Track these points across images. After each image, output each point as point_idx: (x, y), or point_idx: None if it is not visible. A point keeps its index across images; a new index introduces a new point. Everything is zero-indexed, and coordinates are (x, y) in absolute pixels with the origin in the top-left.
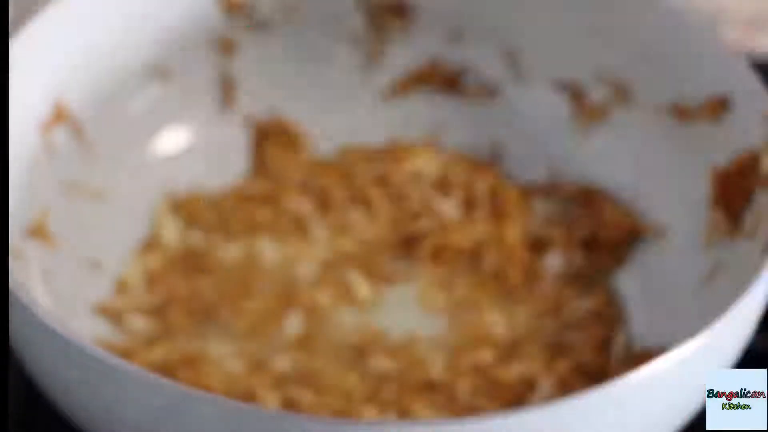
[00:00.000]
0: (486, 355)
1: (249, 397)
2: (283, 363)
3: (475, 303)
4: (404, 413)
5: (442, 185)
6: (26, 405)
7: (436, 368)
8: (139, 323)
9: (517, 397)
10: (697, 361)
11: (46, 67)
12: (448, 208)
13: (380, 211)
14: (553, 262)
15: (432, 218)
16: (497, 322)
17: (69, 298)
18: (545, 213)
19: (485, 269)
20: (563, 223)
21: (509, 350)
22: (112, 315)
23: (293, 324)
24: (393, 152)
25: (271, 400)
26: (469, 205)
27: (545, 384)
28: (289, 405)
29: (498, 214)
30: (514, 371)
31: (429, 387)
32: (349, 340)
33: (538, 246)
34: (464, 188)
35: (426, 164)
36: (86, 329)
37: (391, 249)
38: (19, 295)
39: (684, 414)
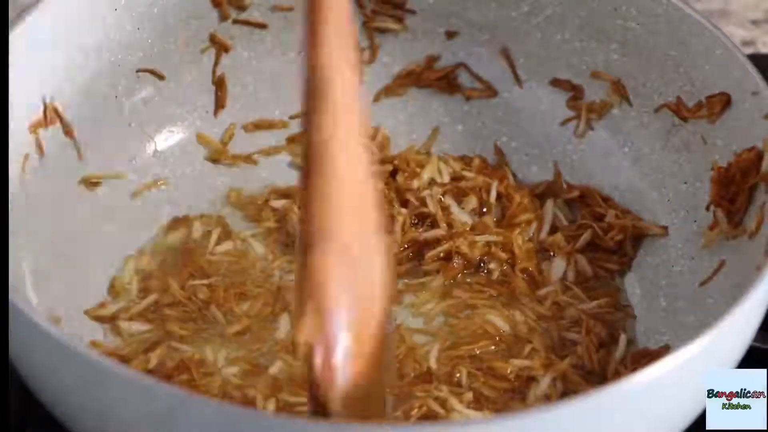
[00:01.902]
0: (485, 347)
1: (245, 400)
2: (277, 366)
3: (475, 306)
4: (403, 401)
5: (456, 191)
6: (22, 410)
7: (433, 359)
8: (134, 328)
9: (516, 388)
10: (700, 362)
11: (37, 67)
12: (461, 214)
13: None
14: (559, 267)
15: (443, 225)
16: (498, 322)
17: (63, 302)
18: (549, 216)
19: (492, 276)
20: (567, 227)
21: (510, 347)
22: (106, 320)
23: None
24: (403, 161)
25: (267, 404)
26: (480, 210)
27: (545, 379)
28: (285, 407)
29: (507, 219)
30: (513, 366)
31: (426, 377)
32: None
33: (544, 251)
34: (477, 193)
35: (437, 171)
36: (81, 334)
37: (400, 256)
38: (14, 300)
39: (688, 414)
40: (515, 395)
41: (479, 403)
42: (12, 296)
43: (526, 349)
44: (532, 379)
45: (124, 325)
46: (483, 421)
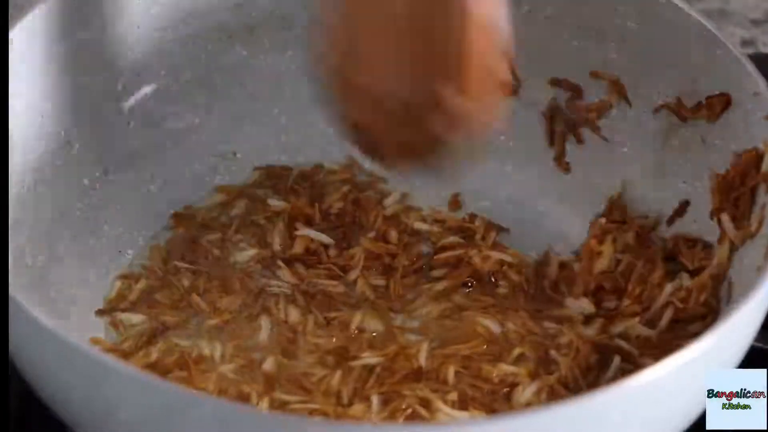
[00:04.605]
0: (474, 348)
1: (240, 396)
2: (270, 363)
3: (469, 308)
4: (390, 400)
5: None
6: (22, 409)
7: (423, 357)
8: (131, 319)
9: (499, 390)
10: (700, 362)
11: (36, 67)
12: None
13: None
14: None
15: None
16: (489, 324)
17: (63, 299)
18: None
19: (499, 291)
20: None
21: (500, 349)
22: (106, 313)
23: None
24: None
25: (262, 401)
26: None
27: (531, 388)
28: (280, 405)
29: None
30: (499, 371)
31: (416, 375)
32: (334, 339)
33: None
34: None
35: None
36: (82, 331)
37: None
38: (15, 297)
39: (688, 414)
40: (500, 397)
41: (464, 402)
42: (12, 294)
43: (514, 353)
44: (517, 385)
45: (121, 316)
46: (483, 421)
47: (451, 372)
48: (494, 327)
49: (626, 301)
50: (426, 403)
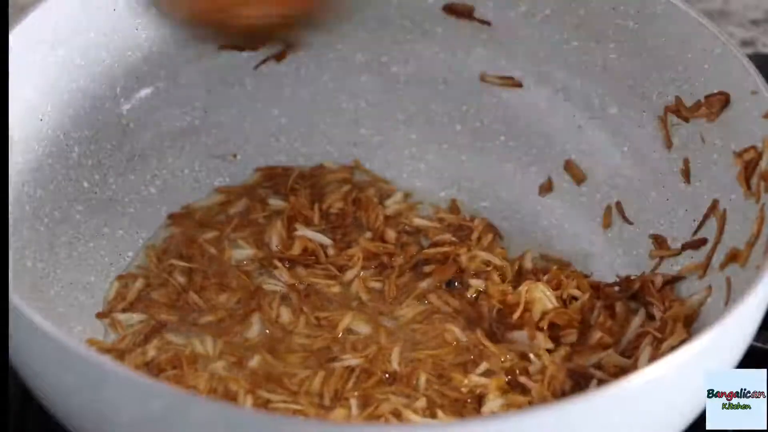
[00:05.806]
0: (443, 355)
1: (227, 394)
2: (256, 360)
3: (438, 311)
4: (367, 403)
5: None
6: (22, 410)
7: (395, 361)
8: (129, 319)
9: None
10: (700, 362)
11: (36, 68)
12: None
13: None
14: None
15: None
16: (457, 332)
17: (63, 301)
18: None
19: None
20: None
21: (473, 357)
22: (105, 315)
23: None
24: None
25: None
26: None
27: (498, 401)
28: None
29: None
30: (470, 381)
31: (390, 379)
32: (316, 340)
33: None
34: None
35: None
36: (81, 333)
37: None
38: (14, 300)
39: (688, 414)
40: (468, 405)
41: (434, 409)
42: (12, 296)
43: (482, 367)
44: (486, 395)
45: (120, 317)
46: (484, 419)
47: (423, 379)
48: (460, 335)
49: (597, 333)
50: (397, 413)
